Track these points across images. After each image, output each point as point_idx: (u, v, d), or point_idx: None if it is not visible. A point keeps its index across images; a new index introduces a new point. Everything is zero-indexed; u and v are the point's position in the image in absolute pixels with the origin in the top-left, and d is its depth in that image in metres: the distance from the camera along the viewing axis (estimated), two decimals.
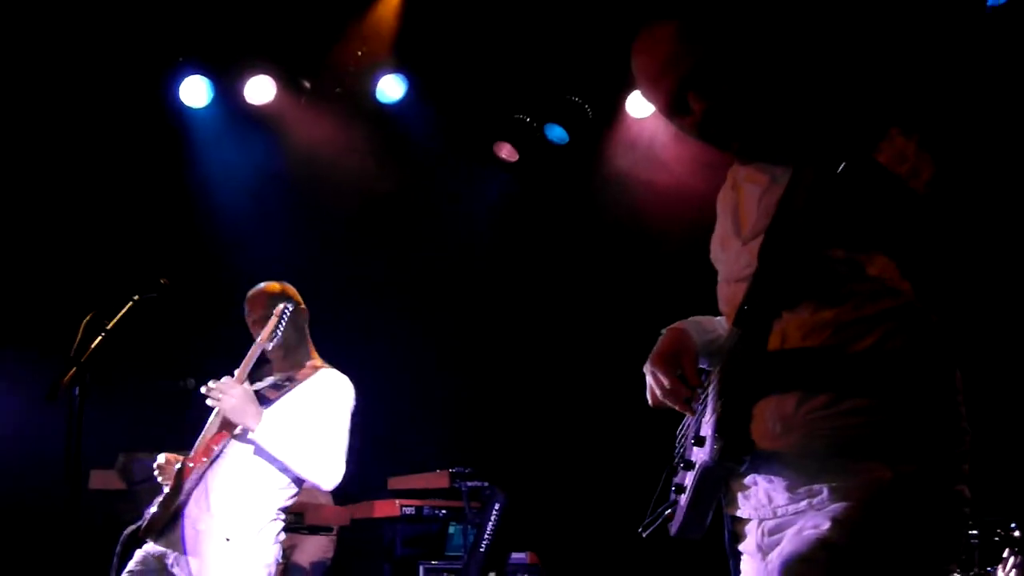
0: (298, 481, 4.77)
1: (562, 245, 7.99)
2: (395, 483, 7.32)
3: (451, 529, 7.53)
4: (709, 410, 2.48)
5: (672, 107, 2.55)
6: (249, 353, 4.86)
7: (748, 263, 2.49)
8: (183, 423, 7.14)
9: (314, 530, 6.50)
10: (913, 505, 2.26)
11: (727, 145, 2.61)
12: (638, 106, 7.31)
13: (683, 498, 2.53)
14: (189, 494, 4.64)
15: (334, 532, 6.93)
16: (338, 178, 7.70)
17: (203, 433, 4.79)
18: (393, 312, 8.27)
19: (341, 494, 7.03)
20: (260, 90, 7.27)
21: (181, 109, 7.29)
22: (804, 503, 2.35)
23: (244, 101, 7.29)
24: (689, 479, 2.51)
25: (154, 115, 7.33)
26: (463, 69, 7.31)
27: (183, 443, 6.15)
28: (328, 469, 4.70)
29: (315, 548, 7.05)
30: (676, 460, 2.62)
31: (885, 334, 2.33)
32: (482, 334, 5.84)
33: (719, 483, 2.50)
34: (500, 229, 8.04)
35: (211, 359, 7.84)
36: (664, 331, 2.76)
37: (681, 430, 2.68)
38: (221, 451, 4.72)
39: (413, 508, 6.93)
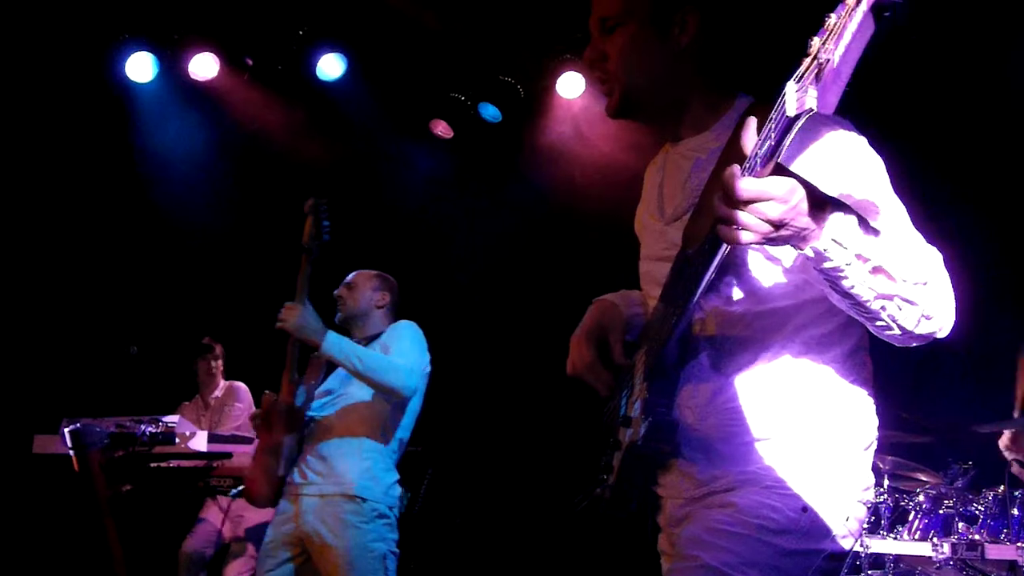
0: (383, 392, 4.87)
1: (495, 220, 8.21)
2: None
3: None
4: (636, 391, 2.50)
5: (592, 46, 2.58)
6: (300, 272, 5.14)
7: (669, 244, 2.51)
8: (127, 389, 7.41)
9: None
10: (814, 493, 2.34)
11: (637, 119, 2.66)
12: (569, 86, 7.53)
13: (610, 477, 2.54)
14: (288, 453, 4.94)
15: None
16: (279, 153, 7.87)
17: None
18: (330, 284, 8.45)
19: None
20: (204, 66, 7.37)
21: (126, 84, 7.36)
22: (715, 484, 2.40)
23: (188, 77, 7.39)
24: (616, 459, 2.52)
25: (99, 90, 7.41)
26: (401, 49, 7.43)
27: (127, 409, 6.39)
28: (403, 372, 4.81)
29: (257, 511, 7.31)
30: (603, 438, 2.65)
31: (798, 327, 2.38)
32: (413, 305, 6.04)
33: (645, 463, 2.50)
34: (435, 203, 8.25)
35: (154, 326, 8.13)
36: (593, 302, 2.79)
37: (608, 407, 2.69)
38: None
39: None
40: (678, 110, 2.59)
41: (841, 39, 1.69)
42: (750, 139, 1.93)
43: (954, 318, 2.19)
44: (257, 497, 5.09)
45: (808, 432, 2.38)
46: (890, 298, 2.09)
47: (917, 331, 2.16)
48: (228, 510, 7.36)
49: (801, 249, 2.04)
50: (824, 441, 2.39)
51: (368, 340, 5.15)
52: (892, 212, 2.26)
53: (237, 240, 8.32)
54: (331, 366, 5.07)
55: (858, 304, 2.13)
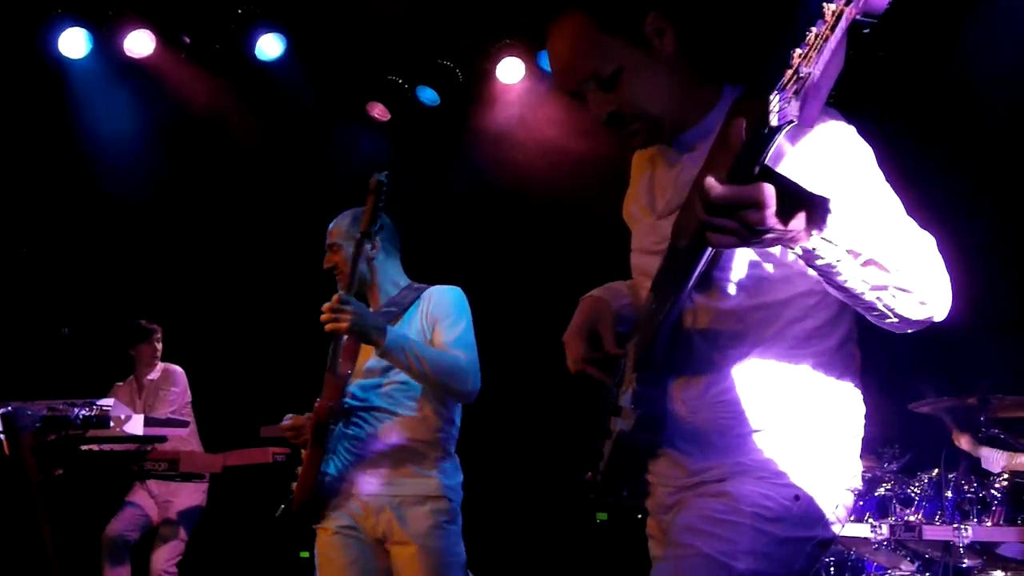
0: (446, 395, 4.19)
1: (434, 204, 8.19)
2: (268, 431, 7.50)
3: None
4: (626, 381, 2.56)
5: (579, 96, 2.56)
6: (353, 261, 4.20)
7: (660, 238, 2.54)
8: (59, 371, 7.30)
9: (187, 477, 6.68)
10: (806, 482, 2.41)
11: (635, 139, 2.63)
12: (509, 71, 7.52)
13: (601, 463, 2.61)
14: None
15: (206, 479, 7.12)
16: (215, 133, 7.80)
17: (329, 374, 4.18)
18: (266, 265, 8.41)
19: (215, 442, 7.28)
20: (139, 43, 7.24)
21: (59, 60, 7.21)
22: (708, 474, 2.46)
23: (123, 54, 7.26)
24: (607, 446, 2.60)
25: (31, 65, 7.26)
26: (339, 30, 7.38)
27: (59, 391, 6.28)
28: (471, 374, 4.14)
29: (189, 495, 7.29)
30: (595, 426, 2.71)
31: (790, 321, 2.42)
32: None
33: (634, 452, 2.54)
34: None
35: (85, 308, 8.02)
36: (581, 300, 2.80)
37: (600, 395, 2.74)
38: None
39: (284, 456, 7.14)
40: (679, 111, 2.59)
41: (821, 56, 1.75)
42: (736, 142, 1.95)
43: (950, 301, 2.23)
44: None
45: (800, 424, 2.44)
46: (884, 288, 2.13)
47: (914, 317, 2.20)
48: (156, 494, 7.32)
49: (791, 248, 2.08)
50: (815, 432, 2.46)
51: (392, 310, 4.35)
52: (882, 202, 2.30)
53: (171, 219, 8.23)
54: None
55: (853, 296, 2.17)
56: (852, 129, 2.38)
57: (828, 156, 2.26)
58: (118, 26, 7.22)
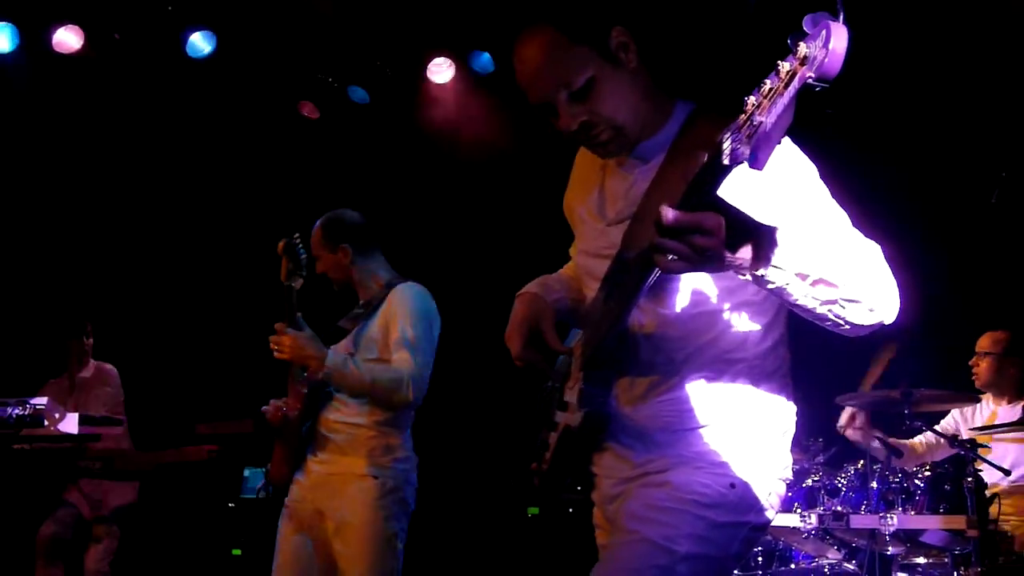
0: (388, 408, 4.45)
1: (364, 202, 8.22)
2: (203, 429, 7.51)
3: (246, 472, 7.84)
4: (573, 378, 2.68)
5: (543, 110, 2.60)
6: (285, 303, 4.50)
7: (609, 244, 2.63)
8: None
9: (119, 475, 6.66)
10: (741, 472, 2.54)
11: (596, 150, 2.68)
12: (439, 71, 7.61)
13: (547, 453, 2.73)
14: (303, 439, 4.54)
15: (138, 478, 7.09)
16: (145, 130, 7.77)
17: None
18: (198, 262, 8.38)
19: (149, 440, 7.25)
20: (68, 40, 7.19)
21: None
22: (650, 465, 2.59)
23: (51, 50, 7.19)
24: (553, 438, 2.72)
25: None
26: (270, 29, 7.39)
27: None
28: (412, 385, 4.36)
29: (121, 493, 7.24)
30: (541, 416, 2.83)
31: (728, 325, 2.55)
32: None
33: (580, 446, 2.66)
34: (302, 185, 8.22)
35: (12, 305, 7.93)
36: (517, 296, 2.88)
37: (545, 388, 2.87)
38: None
39: (216, 453, 7.14)
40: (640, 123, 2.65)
41: (774, 108, 1.83)
42: (691, 172, 2.06)
43: (898, 305, 2.34)
44: None
45: (735, 420, 2.59)
46: (834, 302, 2.24)
47: (864, 323, 2.31)
48: (89, 492, 7.27)
49: (742, 275, 2.20)
50: (749, 427, 2.60)
51: (359, 311, 4.65)
52: (827, 219, 2.41)
53: (102, 215, 8.17)
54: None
55: (806, 311, 2.29)
56: (795, 148, 2.49)
57: (772, 179, 2.33)
58: (46, 22, 7.12)
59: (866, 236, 2.39)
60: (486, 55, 7.45)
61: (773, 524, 5.53)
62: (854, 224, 2.44)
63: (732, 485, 2.54)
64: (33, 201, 7.88)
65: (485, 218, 7.97)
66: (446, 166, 7.88)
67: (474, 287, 7.68)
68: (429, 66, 7.60)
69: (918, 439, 6.11)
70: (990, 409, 6.19)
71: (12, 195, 7.82)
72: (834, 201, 2.46)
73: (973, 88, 6.28)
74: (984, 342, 6.22)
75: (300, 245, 4.49)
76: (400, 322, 4.45)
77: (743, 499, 2.55)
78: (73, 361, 7.46)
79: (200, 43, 7.37)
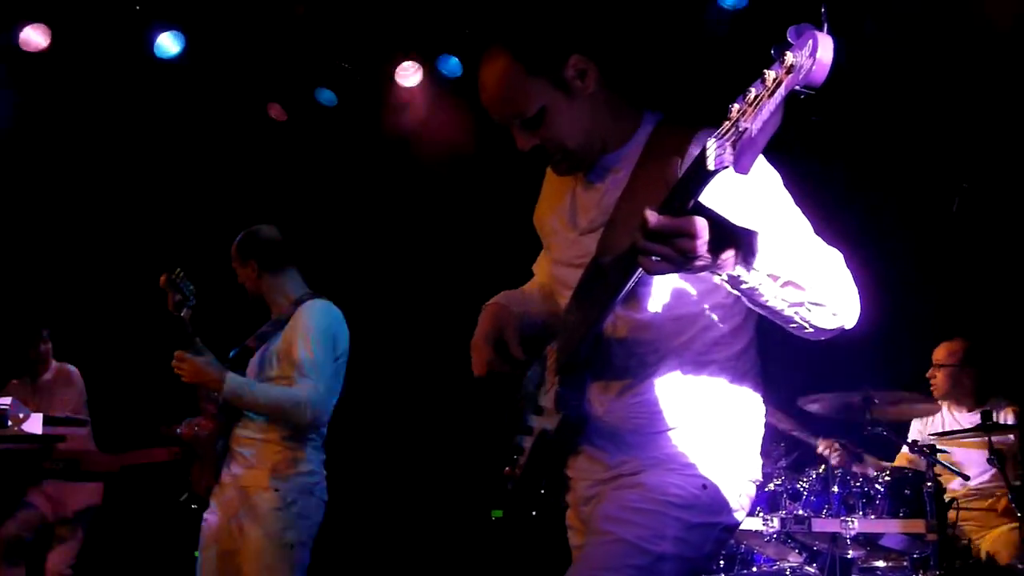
0: (288, 428, 4.70)
1: (333, 205, 8.29)
2: (168, 430, 7.46)
3: None
4: (548, 383, 2.76)
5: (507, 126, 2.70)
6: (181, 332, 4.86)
7: (582, 252, 2.70)
8: None
9: (83, 477, 6.64)
10: (713, 474, 2.60)
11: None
12: (407, 74, 7.61)
13: (521, 458, 2.80)
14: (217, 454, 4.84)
15: (103, 479, 7.06)
16: (113, 131, 7.74)
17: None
18: (159, 263, 8.30)
19: (113, 442, 7.21)
20: (35, 39, 7.10)
21: None
22: (624, 467, 2.65)
23: (18, 49, 7.10)
24: (527, 442, 2.80)
25: None
26: (238, 30, 7.36)
27: None
28: (309, 407, 4.61)
29: (85, 495, 7.21)
30: (514, 422, 2.89)
31: (700, 330, 2.61)
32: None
33: (555, 450, 2.73)
34: (270, 186, 8.23)
35: None
36: (484, 307, 2.96)
37: (515, 395, 2.93)
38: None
39: (180, 455, 7.11)
40: (603, 138, 2.74)
41: (759, 115, 1.86)
42: (672, 177, 2.11)
43: (859, 310, 2.42)
44: None
45: (707, 422, 2.65)
46: (801, 304, 2.31)
47: (827, 327, 2.39)
48: (51, 494, 7.24)
49: (718, 275, 2.25)
50: (720, 429, 2.67)
51: (267, 331, 4.90)
52: (793, 225, 2.48)
53: (63, 218, 8.13)
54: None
55: (774, 312, 2.35)
56: (761, 158, 2.54)
57: (744, 186, 2.38)
58: (13, 22, 7.07)
59: (828, 243, 2.46)
60: (454, 59, 7.47)
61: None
62: (816, 232, 2.50)
63: (704, 486, 2.60)
64: None
65: (452, 221, 7.99)
66: (414, 169, 7.89)
67: (440, 290, 7.71)
68: (397, 70, 7.60)
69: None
70: (950, 418, 6.28)
71: None
72: (797, 208, 2.53)
73: (935, 99, 6.36)
74: (940, 353, 6.30)
75: (182, 279, 4.85)
76: (301, 343, 4.68)
77: (715, 500, 2.62)
78: (39, 364, 7.42)
79: (168, 44, 7.32)
